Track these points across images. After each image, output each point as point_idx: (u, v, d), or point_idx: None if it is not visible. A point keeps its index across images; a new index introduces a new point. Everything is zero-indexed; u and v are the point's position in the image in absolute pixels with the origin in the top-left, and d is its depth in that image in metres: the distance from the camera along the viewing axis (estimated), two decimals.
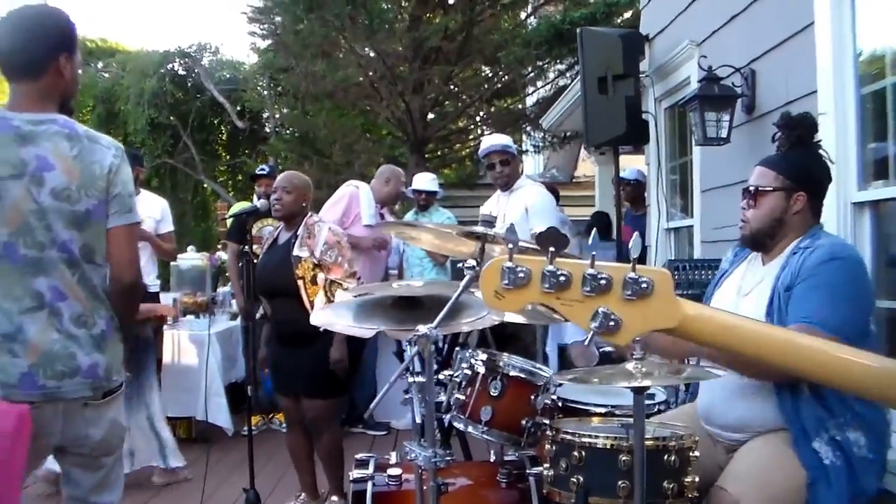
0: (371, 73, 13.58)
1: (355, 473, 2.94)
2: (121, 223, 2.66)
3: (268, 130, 20.06)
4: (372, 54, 13.55)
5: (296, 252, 4.49)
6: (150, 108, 20.20)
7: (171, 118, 20.58)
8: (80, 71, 2.71)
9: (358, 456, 3.09)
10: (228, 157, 22.59)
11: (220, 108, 20.82)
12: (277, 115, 19.18)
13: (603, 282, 1.50)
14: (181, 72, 21.67)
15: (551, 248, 1.51)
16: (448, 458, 2.34)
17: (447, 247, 3.12)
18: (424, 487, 2.43)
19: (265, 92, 19.01)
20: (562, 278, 1.51)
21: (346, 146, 14.98)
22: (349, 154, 14.90)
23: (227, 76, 21.18)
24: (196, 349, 6.47)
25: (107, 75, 21.91)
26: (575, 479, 2.43)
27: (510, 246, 1.57)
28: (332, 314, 3.00)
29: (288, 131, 18.31)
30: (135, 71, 20.76)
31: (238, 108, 20.40)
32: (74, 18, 2.56)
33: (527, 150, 15.84)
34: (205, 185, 21.81)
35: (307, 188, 4.75)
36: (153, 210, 6.20)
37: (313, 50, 13.77)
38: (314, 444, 4.73)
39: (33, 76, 2.55)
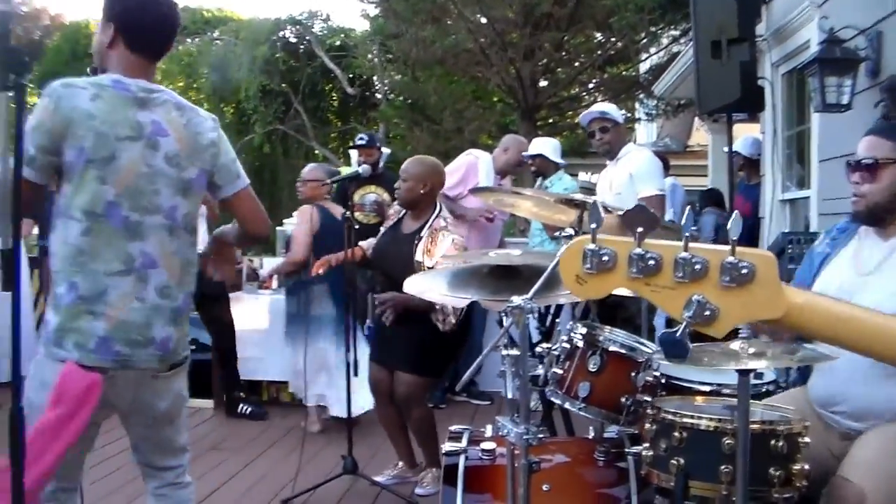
0: (481, 40, 13.45)
1: (448, 446, 2.88)
2: (241, 187, 2.76)
3: (378, 97, 20.15)
4: (482, 20, 13.43)
5: (417, 257, 4.46)
6: (262, 76, 20.51)
7: (283, 85, 20.86)
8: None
9: (452, 428, 3.04)
10: (339, 123, 22.76)
11: (330, 74, 21.00)
12: (387, 82, 19.24)
13: (698, 266, 1.35)
14: (292, 39, 21.92)
15: (639, 229, 1.38)
16: (541, 436, 2.24)
17: (545, 215, 3.01)
18: (516, 464, 2.34)
19: (375, 59, 19.07)
20: (651, 262, 1.37)
21: (457, 113, 14.95)
22: (459, 121, 14.87)
23: (338, 43, 21.31)
24: None
25: (220, 43, 22.29)
26: (675, 462, 2.32)
27: (593, 225, 1.42)
28: (427, 282, 2.93)
29: (398, 98, 18.36)
30: (247, 39, 21.08)
31: (349, 75, 20.53)
32: None
33: (639, 119, 15.53)
34: (316, 152, 22.03)
35: (427, 174, 4.68)
36: None
37: (423, 16, 13.75)
38: (405, 419, 4.70)
39: (156, 52, 2.63)
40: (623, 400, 2.79)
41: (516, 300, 2.21)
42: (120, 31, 2.55)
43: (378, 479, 4.78)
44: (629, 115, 15.25)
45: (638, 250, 1.38)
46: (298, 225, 5.98)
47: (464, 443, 2.88)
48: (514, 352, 2.33)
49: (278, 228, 7.79)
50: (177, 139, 2.56)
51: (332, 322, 5.78)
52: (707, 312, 1.36)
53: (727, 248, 1.36)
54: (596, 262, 1.40)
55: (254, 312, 6.81)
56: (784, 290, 1.37)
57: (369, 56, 19.57)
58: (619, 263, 1.40)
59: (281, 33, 21.58)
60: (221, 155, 2.70)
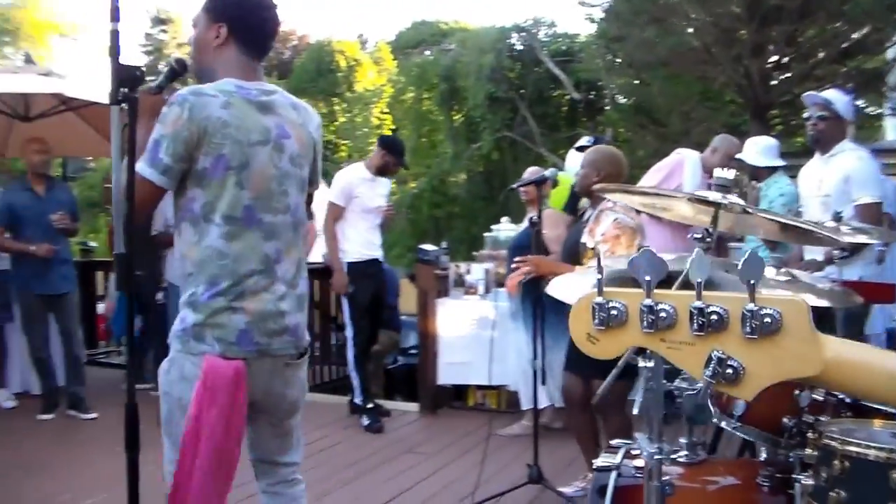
0: (706, 38, 12.98)
1: (601, 461, 2.69)
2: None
3: (604, 101, 19.91)
4: (706, 18, 12.95)
5: (583, 239, 4.32)
6: (489, 83, 20.72)
7: (510, 92, 20.98)
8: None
9: (613, 441, 2.86)
10: (567, 128, 22.64)
11: (556, 80, 20.93)
12: (613, 86, 18.96)
13: (714, 317, 1.18)
14: (518, 46, 22.01)
15: (646, 277, 1.20)
16: (673, 455, 2.06)
17: (689, 215, 2.75)
18: (653, 483, 2.16)
19: (600, 63, 18.85)
20: (662, 314, 1.21)
21: (683, 114, 14.55)
22: (686, 122, 14.45)
23: (563, 48, 21.23)
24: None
25: (449, 52, 22.73)
26: (835, 494, 2.05)
27: (598, 277, 1.28)
28: (572, 283, 2.78)
29: (624, 101, 18.05)
30: (474, 48, 21.38)
31: (574, 81, 20.39)
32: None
33: (882, 114, 14.48)
34: (544, 158, 22.03)
35: (602, 162, 4.51)
36: (385, 188, 6.63)
37: (645, 17, 13.44)
38: (604, 426, 4.53)
39: (263, 52, 2.68)
40: (785, 420, 2.52)
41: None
42: (233, 32, 2.58)
43: (565, 490, 4.64)
44: (873, 110, 14.24)
45: (647, 301, 1.23)
46: (552, 229, 5.85)
47: (618, 458, 2.69)
48: (648, 363, 2.16)
49: (486, 235, 7.76)
50: (296, 139, 2.61)
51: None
52: (729, 370, 1.20)
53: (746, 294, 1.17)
54: (604, 317, 1.27)
55: (460, 317, 6.82)
56: (821, 341, 1.18)
57: (594, 60, 19.36)
58: (630, 317, 1.26)
59: (507, 41, 21.70)
60: (318, 154, 2.77)
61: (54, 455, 5.39)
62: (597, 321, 1.28)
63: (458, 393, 6.97)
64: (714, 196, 2.22)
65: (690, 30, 12.97)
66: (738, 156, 6.33)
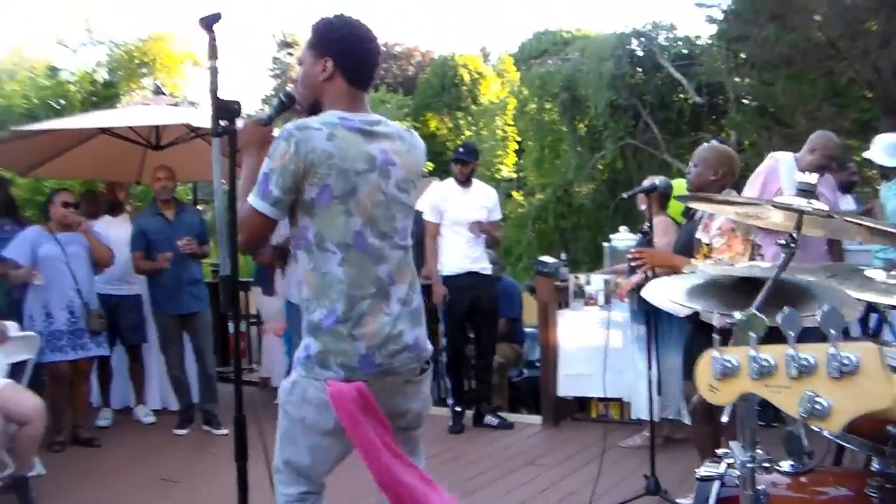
0: (830, 32, 12.62)
1: (704, 470, 2.69)
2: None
3: (728, 104, 19.54)
4: (830, 11, 12.60)
5: (697, 235, 4.29)
6: (610, 91, 20.59)
7: (631, 99, 20.80)
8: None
9: (721, 450, 2.85)
10: (691, 133, 22.32)
11: (677, 84, 20.67)
12: (735, 87, 18.60)
13: (805, 363, 1.40)
14: (638, 52, 21.81)
15: (751, 333, 1.45)
16: (766, 464, 2.05)
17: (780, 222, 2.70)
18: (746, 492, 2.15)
19: (721, 64, 18.53)
20: (764, 363, 1.44)
21: (808, 114, 14.16)
22: (812, 122, 14.03)
23: (684, 52, 20.94)
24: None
25: (569, 61, 22.68)
26: None
27: (717, 336, 1.55)
28: (663, 287, 2.79)
29: (747, 102, 17.69)
30: (593, 56, 21.29)
31: (696, 84, 20.09)
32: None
33: None
34: (669, 164, 21.75)
35: (720, 162, 4.48)
36: (485, 199, 6.71)
37: (766, 14, 13.16)
38: (725, 435, 4.48)
39: (369, 83, 2.78)
40: (890, 428, 2.47)
41: (737, 315, 2.06)
42: (340, 66, 2.69)
43: (682, 501, 4.60)
44: None
45: (752, 353, 1.47)
46: (662, 237, 5.83)
47: (723, 467, 2.68)
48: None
49: (605, 244, 7.75)
50: (401, 165, 2.71)
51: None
52: (818, 407, 1.40)
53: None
54: (720, 368, 1.52)
55: (579, 329, 6.84)
56: (891, 379, 1.37)
57: (716, 62, 19.04)
58: (742, 369, 1.50)
59: (626, 46, 21.51)
60: (419, 181, 2.88)
61: (188, 467, 5.66)
62: (714, 373, 1.54)
63: (581, 405, 6.98)
64: (798, 202, 2.21)
65: (813, 25, 12.59)
66: (865, 155, 6.13)
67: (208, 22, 2.74)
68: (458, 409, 6.64)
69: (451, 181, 6.76)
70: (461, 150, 6.94)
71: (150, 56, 31.69)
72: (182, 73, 32.78)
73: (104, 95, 18.10)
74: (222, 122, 2.62)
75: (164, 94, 9.08)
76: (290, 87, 2.87)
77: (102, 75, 20.36)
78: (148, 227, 6.65)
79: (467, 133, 32.14)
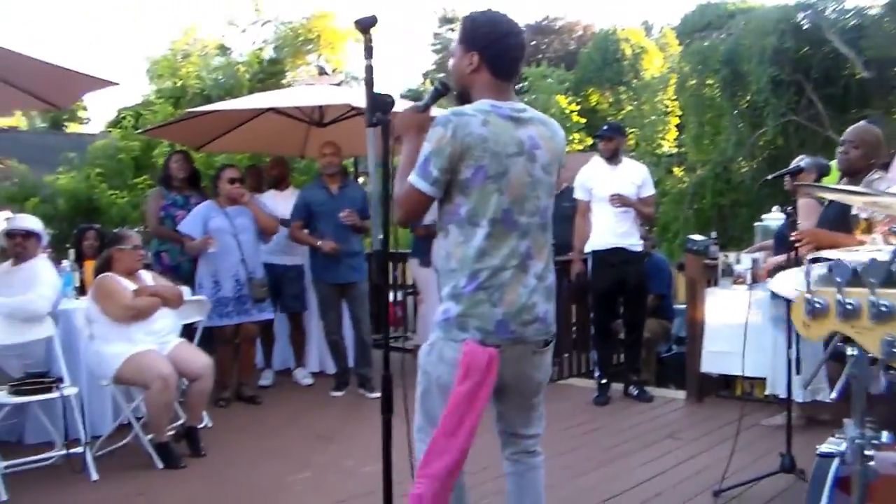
0: None
1: (825, 447, 2.78)
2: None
3: None
4: None
5: (854, 211, 4.28)
6: (772, 66, 20.00)
7: (794, 74, 20.17)
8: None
9: (837, 432, 2.91)
10: (856, 110, 21.46)
11: (844, 59, 19.90)
12: None
13: (883, 308, 1.48)
14: (805, 25, 21.07)
15: (838, 278, 1.52)
16: (878, 441, 2.15)
17: None
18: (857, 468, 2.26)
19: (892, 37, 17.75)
20: (849, 307, 1.54)
21: None
22: None
23: (852, 24, 20.11)
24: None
25: (731, 35, 22.14)
26: None
27: (807, 277, 1.66)
28: (789, 278, 2.88)
29: None
30: (756, 30, 20.71)
31: (864, 58, 19.30)
32: None
33: None
34: (833, 141, 20.98)
35: (878, 143, 4.47)
36: (634, 176, 6.77)
37: None
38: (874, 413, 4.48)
39: (514, 74, 3.00)
40: None
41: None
42: (485, 59, 2.92)
43: None
44: None
45: (839, 297, 1.57)
46: (805, 219, 5.81)
47: (843, 445, 2.76)
48: (852, 351, 2.27)
49: (756, 224, 7.70)
50: (546, 149, 2.93)
51: None
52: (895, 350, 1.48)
53: None
54: (810, 308, 1.64)
55: (727, 307, 6.85)
56: None
57: (889, 35, 18.24)
58: (830, 310, 1.61)
59: (791, 21, 20.81)
60: (563, 163, 3.08)
61: (342, 427, 6.02)
62: (806, 312, 1.67)
63: (727, 382, 7.01)
64: None
65: None
66: None
67: (364, 24, 3.09)
68: (603, 381, 6.79)
69: (599, 159, 6.90)
70: (605, 126, 7.07)
71: (314, 33, 32.63)
72: (345, 50, 33.68)
73: (270, 72, 18.81)
74: (377, 114, 2.97)
75: (327, 74, 9.50)
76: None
77: (269, 53, 21.11)
78: (312, 198, 6.98)
79: (628, 108, 31.77)
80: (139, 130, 12.94)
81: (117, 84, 5.93)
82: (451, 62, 3.06)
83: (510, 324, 2.82)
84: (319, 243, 6.80)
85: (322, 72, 9.65)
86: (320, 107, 8.26)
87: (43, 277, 5.30)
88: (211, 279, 6.61)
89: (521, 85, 36.67)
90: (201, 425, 5.60)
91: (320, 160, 7.13)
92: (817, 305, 1.56)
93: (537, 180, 2.89)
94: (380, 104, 3.00)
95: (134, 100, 20.17)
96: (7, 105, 7.04)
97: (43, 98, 6.38)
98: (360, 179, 10.91)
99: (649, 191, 6.85)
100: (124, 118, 16.69)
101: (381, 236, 3.07)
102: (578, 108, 30.89)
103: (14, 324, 5.09)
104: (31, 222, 5.65)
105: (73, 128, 35.34)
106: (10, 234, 5.45)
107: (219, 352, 6.64)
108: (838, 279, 1.52)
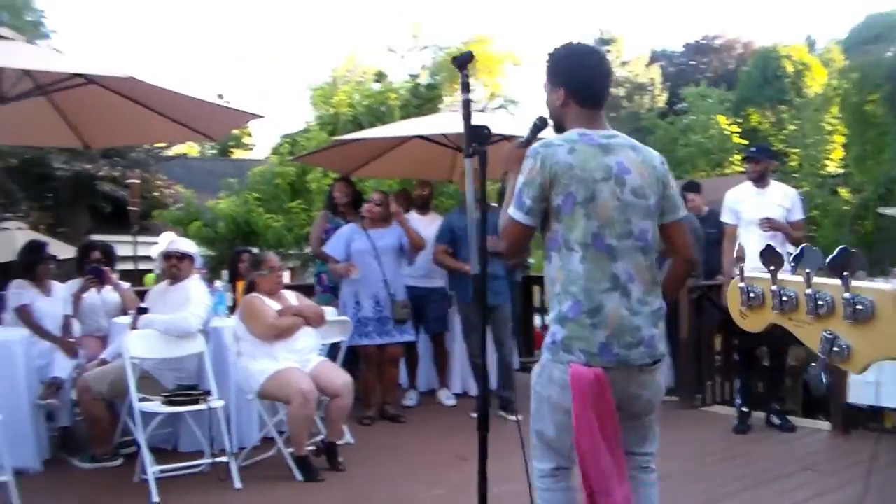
0: None
1: None
2: (679, 217, 3.16)
3: None
4: None
5: None
6: None
7: None
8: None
9: None
10: None
11: None
12: None
13: (821, 303, 1.37)
14: None
15: (771, 267, 1.43)
16: None
17: None
18: None
19: None
20: (785, 298, 1.43)
21: None
22: None
23: None
24: None
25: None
26: None
27: (740, 266, 1.56)
28: None
29: None
30: None
31: None
32: None
33: None
34: None
35: None
36: (783, 199, 6.61)
37: None
38: None
39: (601, 102, 3.12)
40: None
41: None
42: (570, 93, 3.06)
43: None
44: None
45: (774, 287, 1.46)
46: None
47: None
48: None
49: None
50: (637, 174, 3.00)
51: None
52: (836, 349, 1.37)
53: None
54: (745, 298, 1.53)
55: None
56: None
57: None
58: (766, 300, 1.50)
59: None
60: (668, 187, 3.11)
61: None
62: (741, 301, 1.56)
63: (875, 414, 6.72)
64: None
65: None
66: None
67: (461, 61, 3.33)
68: (744, 409, 6.65)
69: (747, 182, 6.80)
70: (752, 148, 6.98)
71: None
72: (503, 73, 34.05)
73: (426, 97, 19.21)
74: (474, 145, 3.24)
75: (471, 101, 9.66)
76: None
77: (426, 78, 21.58)
78: (455, 223, 7.10)
79: (790, 127, 30.86)
80: (291, 158, 13.51)
81: (262, 117, 6.38)
82: (545, 98, 3.19)
83: (613, 346, 2.89)
84: (467, 268, 6.87)
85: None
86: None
87: (195, 297, 5.66)
88: (353, 299, 6.84)
89: (680, 105, 36.19)
90: (342, 441, 5.79)
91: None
92: (752, 295, 1.49)
93: (627, 204, 2.95)
94: (477, 136, 3.24)
95: (297, 126, 21.01)
96: (167, 136, 7.52)
97: (198, 130, 6.84)
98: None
99: (798, 215, 6.68)
100: (283, 145, 17.39)
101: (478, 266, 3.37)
102: (739, 128, 30.19)
103: (169, 339, 5.45)
104: (186, 245, 6.05)
105: (238, 154, 37.00)
106: (167, 255, 5.86)
107: (363, 371, 6.87)
108: (772, 267, 1.45)
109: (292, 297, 5.79)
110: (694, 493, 4.97)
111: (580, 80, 3.06)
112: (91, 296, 6.47)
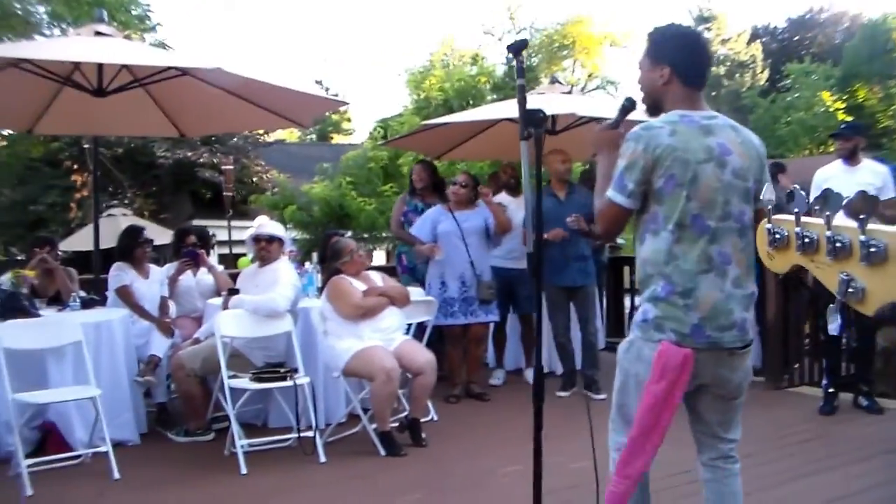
0: None
1: None
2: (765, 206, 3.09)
3: None
4: None
5: None
6: None
7: None
8: None
9: None
10: None
11: None
12: None
13: (839, 245, 1.39)
14: None
15: (796, 209, 1.41)
16: None
17: None
18: None
19: None
20: (807, 240, 1.46)
21: None
22: None
23: None
24: None
25: None
26: None
27: (769, 207, 1.56)
28: None
29: None
30: None
31: None
32: None
33: None
34: None
35: None
36: (874, 177, 6.52)
37: None
38: None
39: (704, 83, 3.11)
40: None
41: None
42: (675, 72, 3.04)
43: None
44: None
45: (797, 229, 1.49)
46: None
47: None
48: None
49: None
50: (738, 155, 2.98)
51: None
52: (851, 290, 1.39)
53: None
54: (771, 239, 1.58)
55: None
56: None
57: None
58: (791, 241, 1.54)
59: None
60: (764, 171, 3.08)
61: (562, 426, 6.08)
62: (768, 242, 1.61)
63: None
64: None
65: None
66: None
67: (515, 48, 3.37)
68: (830, 390, 6.56)
69: (838, 161, 6.70)
70: (843, 125, 6.85)
71: (569, 39, 32.86)
72: (601, 54, 33.73)
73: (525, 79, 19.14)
74: (529, 129, 3.24)
75: (559, 83, 9.68)
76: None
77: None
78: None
79: None
80: (381, 142, 13.69)
81: (348, 104, 6.66)
82: (639, 76, 3.18)
83: (706, 328, 2.89)
84: (547, 236, 6.86)
85: (554, 80, 9.84)
86: (552, 115, 8.44)
87: (283, 278, 5.84)
88: (438, 280, 6.97)
89: (782, 83, 35.34)
90: (426, 418, 5.94)
91: (556, 166, 7.28)
92: (777, 236, 1.53)
93: (728, 185, 2.94)
94: (532, 119, 3.24)
95: (394, 111, 21.22)
96: (257, 124, 7.74)
97: (286, 116, 7.05)
98: None
99: (891, 193, 6.53)
100: (377, 129, 17.60)
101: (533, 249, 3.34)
102: (844, 105, 29.31)
103: (258, 319, 5.66)
104: (275, 228, 6.24)
105: (337, 139, 37.52)
106: (256, 238, 6.05)
107: (449, 350, 6.98)
108: (796, 209, 1.49)
109: (378, 278, 5.94)
110: (765, 473, 4.94)
111: (688, 57, 3.06)
112: (186, 278, 6.76)
